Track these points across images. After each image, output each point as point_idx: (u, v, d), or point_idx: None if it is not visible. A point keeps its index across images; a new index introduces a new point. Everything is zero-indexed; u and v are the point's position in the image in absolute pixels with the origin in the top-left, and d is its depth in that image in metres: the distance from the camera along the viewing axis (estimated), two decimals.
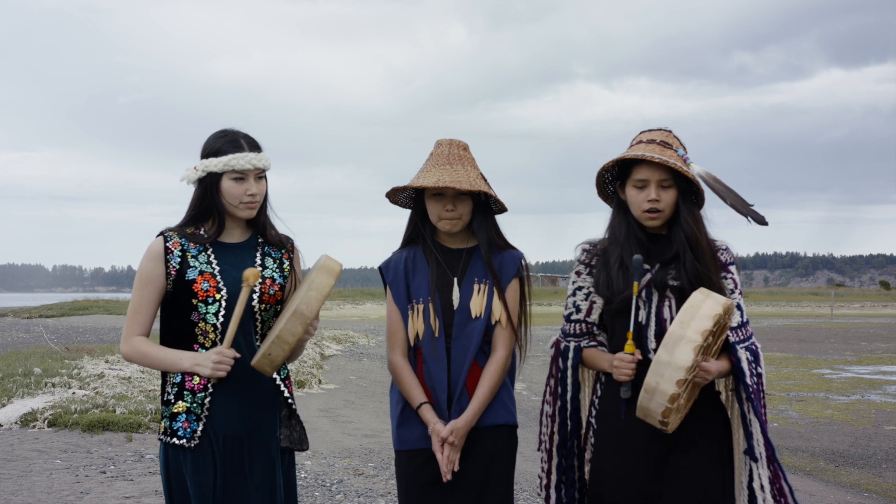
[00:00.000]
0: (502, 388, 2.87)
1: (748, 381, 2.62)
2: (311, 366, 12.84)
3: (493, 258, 2.90)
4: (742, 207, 2.74)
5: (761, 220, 2.75)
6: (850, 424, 9.45)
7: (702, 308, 2.46)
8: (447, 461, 2.76)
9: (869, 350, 19.72)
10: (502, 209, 2.97)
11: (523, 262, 2.94)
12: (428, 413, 2.80)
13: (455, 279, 2.89)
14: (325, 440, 7.60)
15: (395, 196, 2.99)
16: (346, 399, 10.51)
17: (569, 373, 2.82)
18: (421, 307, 2.87)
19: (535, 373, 14.13)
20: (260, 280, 2.68)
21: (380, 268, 2.99)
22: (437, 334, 2.84)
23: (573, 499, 2.83)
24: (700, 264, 2.65)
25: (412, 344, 2.88)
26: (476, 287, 2.87)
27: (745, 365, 2.63)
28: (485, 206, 2.92)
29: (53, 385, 9.19)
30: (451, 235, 2.93)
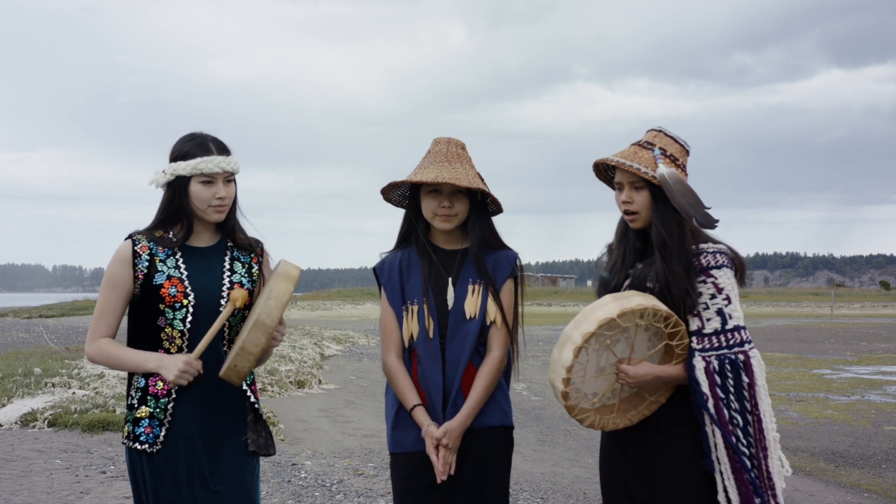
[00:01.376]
0: (497, 389, 2.86)
1: (704, 390, 2.54)
2: (311, 366, 12.85)
3: (488, 258, 2.90)
4: (692, 209, 2.65)
5: (708, 224, 2.68)
6: (850, 424, 9.45)
7: (598, 311, 2.51)
8: (442, 463, 2.75)
9: (869, 350, 19.71)
10: (498, 210, 2.96)
11: (518, 262, 2.93)
12: (421, 415, 2.79)
13: (450, 279, 2.89)
14: (325, 440, 7.61)
15: (389, 194, 2.98)
16: (346, 399, 10.51)
17: None
18: (415, 308, 2.86)
19: (536, 373, 14.13)
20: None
21: (374, 269, 2.98)
22: (431, 335, 2.83)
23: None
24: (666, 266, 2.61)
25: (407, 345, 2.87)
26: (471, 288, 2.86)
27: (698, 374, 2.54)
28: (481, 206, 2.92)
29: (53, 385, 9.20)
30: (446, 235, 2.92)
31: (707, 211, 2.68)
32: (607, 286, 2.72)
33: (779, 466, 2.61)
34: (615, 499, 2.75)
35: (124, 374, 10.17)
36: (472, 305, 2.84)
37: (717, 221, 2.69)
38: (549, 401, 11.20)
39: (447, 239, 2.93)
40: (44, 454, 6.47)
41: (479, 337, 2.84)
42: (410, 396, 2.82)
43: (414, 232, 2.94)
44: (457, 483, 2.79)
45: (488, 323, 2.85)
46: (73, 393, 8.71)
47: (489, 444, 2.83)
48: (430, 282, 2.87)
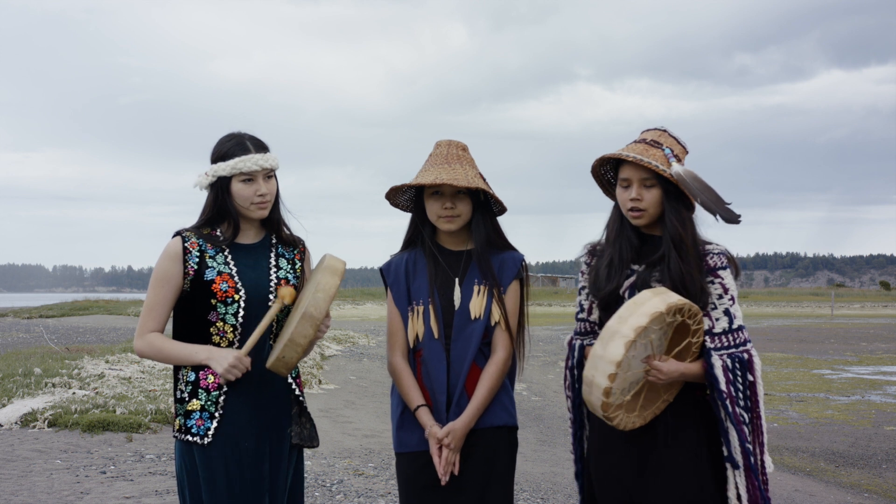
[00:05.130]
0: (502, 389, 2.87)
1: (722, 387, 2.58)
2: (312, 366, 12.84)
3: (494, 259, 2.90)
4: (714, 206, 2.69)
5: (732, 220, 2.71)
6: (850, 425, 9.45)
7: (644, 305, 2.46)
8: (445, 463, 2.76)
9: (869, 350, 19.72)
10: (502, 210, 2.97)
11: (524, 264, 2.94)
12: (425, 416, 2.80)
13: (456, 280, 2.89)
14: (325, 440, 7.60)
15: (396, 198, 3.00)
16: (346, 399, 10.50)
17: (575, 371, 2.83)
18: (421, 309, 2.87)
19: (536, 373, 14.13)
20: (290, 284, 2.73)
21: (381, 269, 2.98)
22: (436, 336, 2.84)
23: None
24: (684, 264, 2.63)
25: (412, 345, 2.88)
26: (476, 289, 2.86)
27: (718, 372, 2.59)
28: (484, 206, 2.92)
29: (53, 385, 9.19)
30: (452, 237, 2.93)
31: (728, 206, 2.70)
32: (612, 266, 2.68)
33: (769, 462, 2.68)
34: (608, 493, 2.72)
35: (126, 374, 10.18)
36: (477, 306, 2.84)
37: (740, 216, 2.71)
38: (549, 401, 11.20)
39: (453, 240, 2.93)
40: (44, 454, 6.47)
41: (484, 338, 2.85)
42: (415, 397, 2.82)
43: (420, 235, 2.95)
44: (461, 483, 2.79)
45: (493, 324, 2.85)
46: (73, 393, 8.70)
47: (493, 443, 2.83)
48: (435, 283, 2.88)
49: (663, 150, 2.70)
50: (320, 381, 11.60)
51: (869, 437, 8.67)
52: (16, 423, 7.51)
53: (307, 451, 7.02)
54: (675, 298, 2.49)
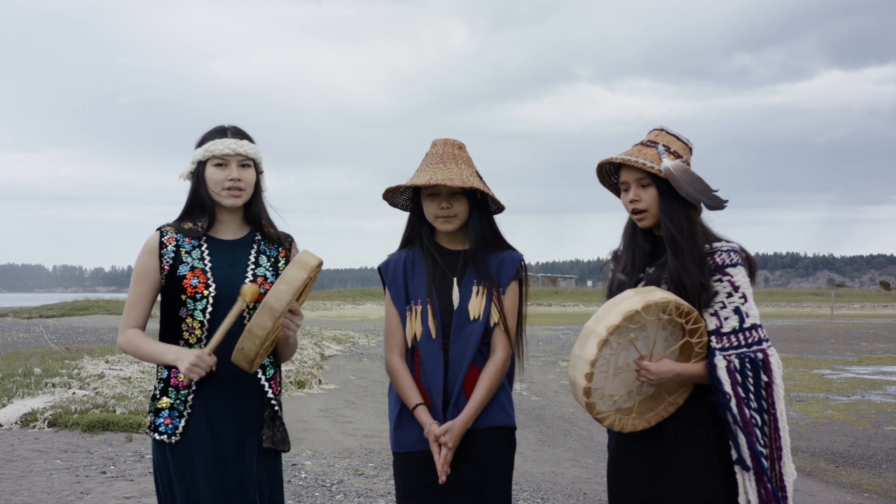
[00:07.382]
0: (500, 389, 2.86)
1: (726, 389, 2.51)
2: (311, 366, 12.84)
3: (493, 259, 2.90)
4: (699, 195, 2.63)
5: (717, 206, 2.66)
6: (850, 425, 9.45)
7: (621, 304, 2.45)
8: (443, 462, 2.75)
9: (869, 350, 19.71)
10: (500, 209, 2.96)
11: (523, 264, 2.94)
12: (423, 414, 2.79)
13: (454, 280, 2.89)
14: (325, 440, 7.60)
15: (394, 199, 2.99)
16: (346, 399, 10.50)
17: None
18: (419, 308, 2.86)
19: (536, 373, 14.12)
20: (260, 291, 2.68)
21: (379, 268, 2.98)
22: (434, 336, 2.83)
23: None
24: (678, 261, 2.58)
25: (410, 345, 2.87)
26: (475, 289, 2.86)
27: (720, 373, 2.51)
28: (482, 205, 2.92)
29: (53, 385, 9.19)
30: (450, 236, 2.92)
31: (715, 193, 2.66)
32: (623, 288, 2.65)
33: (791, 469, 2.59)
34: (621, 499, 2.70)
35: (126, 374, 10.18)
36: (476, 306, 2.84)
37: (727, 201, 2.67)
38: (549, 401, 11.20)
39: (451, 240, 2.93)
40: (44, 454, 6.47)
41: (483, 338, 2.84)
42: (413, 396, 2.82)
43: (418, 235, 2.95)
44: (458, 483, 2.78)
45: (492, 324, 2.84)
46: (73, 393, 8.71)
47: (491, 444, 2.83)
48: (434, 282, 2.87)
49: (657, 147, 2.69)
50: (320, 381, 11.60)
51: (869, 437, 8.67)
52: (16, 423, 7.51)
53: (308, 452, 7.02)
54: (657, 297, 2.45)
